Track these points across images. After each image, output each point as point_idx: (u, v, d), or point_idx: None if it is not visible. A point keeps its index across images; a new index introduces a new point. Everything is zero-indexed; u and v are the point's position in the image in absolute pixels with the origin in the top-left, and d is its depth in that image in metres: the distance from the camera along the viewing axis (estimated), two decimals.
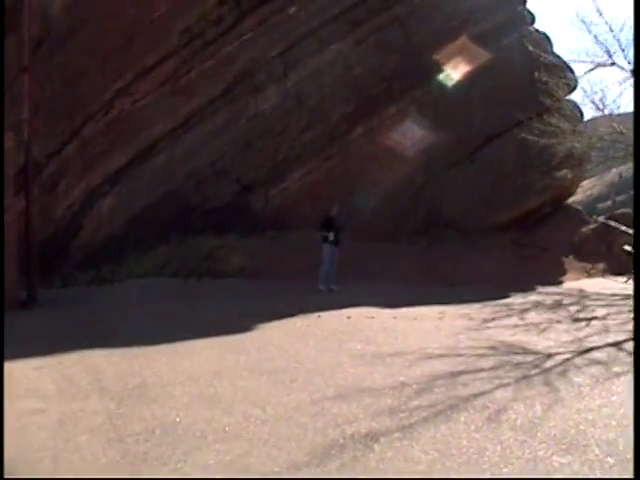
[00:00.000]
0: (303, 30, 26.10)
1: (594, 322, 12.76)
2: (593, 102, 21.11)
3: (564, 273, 22.67)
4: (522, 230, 24.95)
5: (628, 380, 7.89)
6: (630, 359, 9.11)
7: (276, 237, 23.80)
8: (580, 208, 29.11)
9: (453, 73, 25.58)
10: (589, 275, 22.49)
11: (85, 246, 26.73)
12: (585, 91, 24.02)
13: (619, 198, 44.35)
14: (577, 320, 13.15)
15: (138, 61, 26.22)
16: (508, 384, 7.88)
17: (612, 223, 24.70)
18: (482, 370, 8.63)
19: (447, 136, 25.36)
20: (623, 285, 19.21)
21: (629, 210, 24.95)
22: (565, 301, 16.45)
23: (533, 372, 8.55)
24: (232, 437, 5.97)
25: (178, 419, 6.46)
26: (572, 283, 21.18)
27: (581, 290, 18.87)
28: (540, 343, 10.57)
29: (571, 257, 24.17)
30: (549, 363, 9.06)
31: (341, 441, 5.81)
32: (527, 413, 6.72)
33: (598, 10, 20.19)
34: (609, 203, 45.67)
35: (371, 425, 6.29)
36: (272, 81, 26.05)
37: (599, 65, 19.76)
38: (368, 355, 9.55)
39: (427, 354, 9.60)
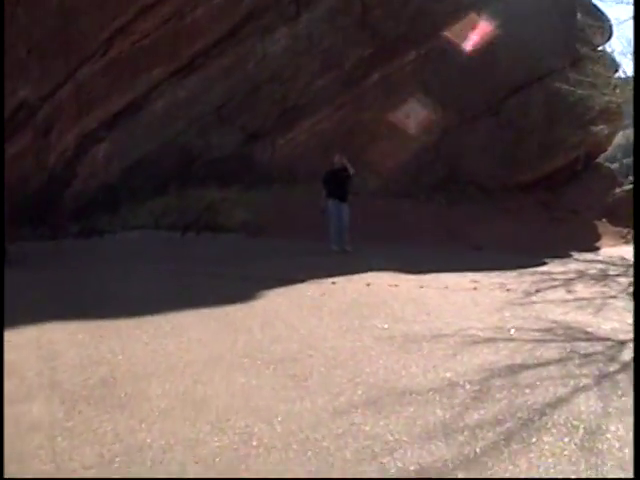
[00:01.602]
0: None
1: None
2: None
3: (598, 238, 20.79)
4: (550, 190, 23.09)
5: None
6: None
7: (283, 190, 21.94)
8: (612, 167, 27.13)
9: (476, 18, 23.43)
10: (626, 241, 20.57)
11: (78, 195, 25.15)
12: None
13: (626, 160, 42.29)
14: (634, 295, 11.26)
15: None
16: (588, 387, 6.04)
17: None
18: (547, 363, 6.78)
19: (468, 85, 23.45)
20: None
21: None
22: (611, 271, 14.59)
23: (612, 368, 6.71)
24: (224, 472, 4.13)
25: (149, 440, 4.61)
26: (610, 249, 19.29)
27: (623, 258, 16.97)
28: (603, 325, 8.70)
29: (604, 221, 22.27)
30: (627, 354, 7.23)
31: None
32: (627, 436, 4.88)
33: None
34: (616, 165, 43.63)
35: (421, 456, 4.44)
36: (282, 21, 24.09)
37: None
38: (398, 337, 7.69)
39: (471, 337, 7.75)
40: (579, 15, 21.12)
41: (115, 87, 24.67)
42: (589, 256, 17.62)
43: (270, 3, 23.93)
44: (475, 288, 11.32)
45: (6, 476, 4.23)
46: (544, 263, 15.25)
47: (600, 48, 23.23)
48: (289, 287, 10.92)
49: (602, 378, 6.36)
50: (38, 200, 23.94)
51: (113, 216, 22.21)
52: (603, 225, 22.04)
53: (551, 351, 7.29)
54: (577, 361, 6.92)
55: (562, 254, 16.99)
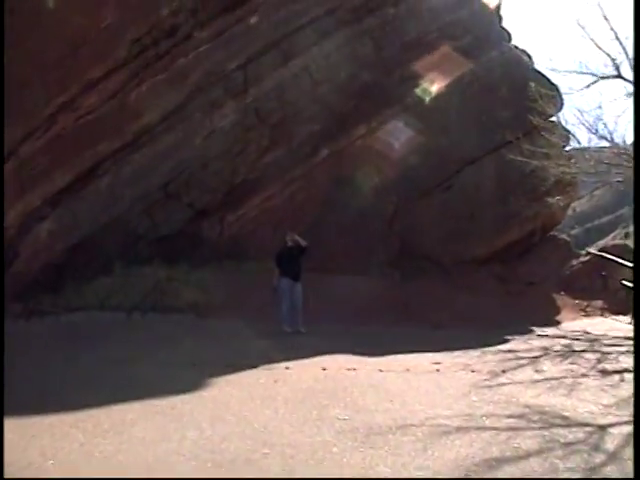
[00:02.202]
0: (265, 42, 23.86)
1: (627, 375, 10.33)
2: (590, 126, 18.69)
3: (558, 312, 20.39)
4: (505, 263, 22.78)
5: None
6: None
7: (233, 269, 21.29)
8: (568, 239, 26.91)
9: (430, 87, 23.41)
10: (586, 314, 20.21)
11: (21, 275, 24.00)
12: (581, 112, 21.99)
13: (574, 231, 42.52)
14: (605, 373, 10.73)
15: (84, 73, 23.39)
16: None
17: (607, 256, 22.46)
18: (526, 456, 6.18)
19: (420, 159, 23.36)
20: (630, 326, 16.85)
21: (622, 241, 22.82)
22: (576, 347, 14.05)
23: (598, 459, 6.16)
24: None
25: None
26: (571, 323, 18.88)
27: (586, 332, 16.54)
28: (579, 408, 8.14)
29: (562, 294, 21.90)
30: (610, 442, 6.64)
31: None
32: None
33: (604, 16, 17.90)
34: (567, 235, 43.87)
35: None
36: (230, 96, 23.65)
37: (602, 78, 17.49)
38: (361, 429, 7.02)
39: (440, 427, 7.11)
40: (530, 85, 20.98)
41: (59, 163, 23.67)
42: (550, 331, 17.14)
43: (217, 78, 23.52)
44: (438, 370, 10.71)
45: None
46: (506, 340, 14.72)
47: (552, 119, 23.16)
48: (240, 374, 10.18)
49: (590, 472, 5.75)
50: None
51: (57, 296, 21.06)
52: (561, 298, 21.68)
53: (529, 441, 6.69)
54: (559, 452, 6.33)
55: (523, 329, 16.52)
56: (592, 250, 25.35)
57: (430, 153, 23.21)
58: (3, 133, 22.73)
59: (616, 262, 21.20)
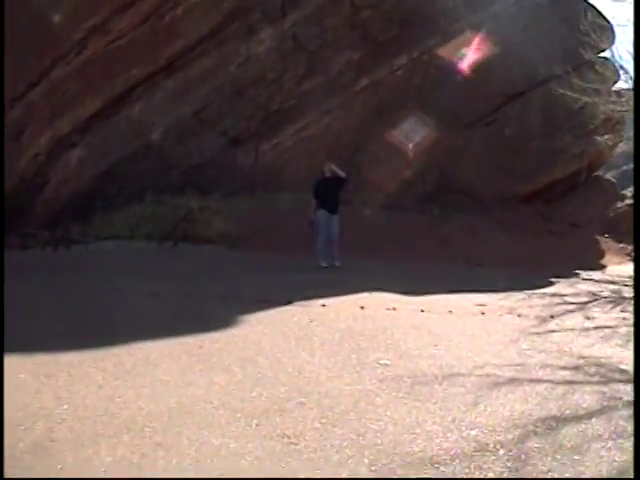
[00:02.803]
0: None
1: None
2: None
3: (602, 255, 19.69)
4: (547, 203, 22.00)
5: None
6: None
7: (266, 200, 20.97)
8: (614, 180, 25.99)
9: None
10: (632, 258, 19.44)
11: (50, 202, 23.91)
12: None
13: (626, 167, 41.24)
14: None
15: None
16: None
17: None
18: (588, 415, 5.56)
19: (462, 92, 22.71)
20: None
21: None
22: (626, 293, 13.36)
23: None
24: None
25: None
26: (616, 268, 18.18)
27: (633, 277, 15.83)
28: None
29: (606, 237, 21.15)
30: None
31: None
32: None
33: None
34: (615, 173, 42.61)
35: None
36: (267, 21, 23.24)
37: None
38: (405, 377, 6.43)
39: (490, 378, 6.51)
40: (582, 17, 19.95)
41: (90, 89, 23.53)
42: (596, 275, 16.45)
43: (254, 2, 23.01)
44: (483, 313, 10.08)
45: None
46: (551, 283, 14.03)
47: (604, 53, 22.23)
48: (273, 311, 9.60)
49: None
50: (7, 207, 22.58)
51: (86, 225, 21.13)
52: (605, 242, 20.93)
53: (588, 397, 6.07)
54: (624, 411, 5.70)
55: (567, 272, 15.80)
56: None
57: (473, 86, 22.47)
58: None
59: None
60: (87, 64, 23.56)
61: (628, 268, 17.90)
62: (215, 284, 12.11)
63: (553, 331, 9.03)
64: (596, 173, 24.73)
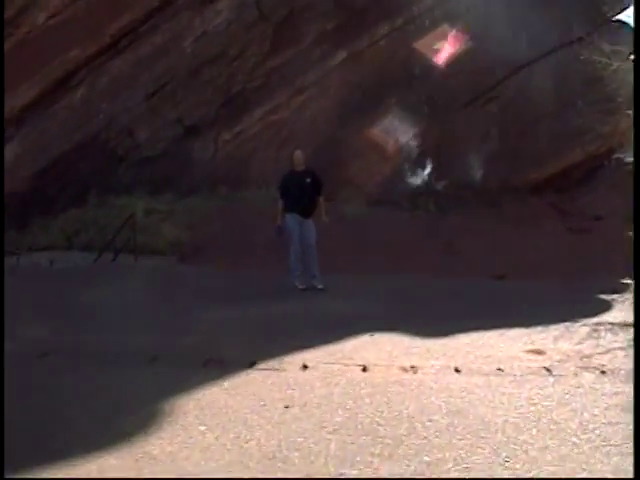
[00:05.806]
0: None
1: None
2: None
3: None
4: (561, 192, 20.18)
5: None
6: None
7: (228, 199, 19.18)
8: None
9: None
10: None
11: None
12: None
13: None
14: None
15: None
16: None
17: None
18: None
19: (457, 64, 20.75)
20: None
21: None
22: None
23: None
24: None
25: None
26: None
27: None
28: None
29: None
30: None
31: None
32: None
33: None
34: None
35: None
36: None
37: None
38: None
39: None
40: None
41: (24, 74, 21.37)
42: None
43: None
44: (547, 370, 6.54)
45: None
46: (607, 304, 10.48)
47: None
48: (229, 379, 5.93)
49: None
50: None
51: (19, 233, 19.15)
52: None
53: None
54: None
55: (614, 284, 12.35)
56: None
57: (470, 55, 20.54)
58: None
59: None
60: (20, 46, 21.58)
61: None
62: (150, 319, 8.79)
63: None
64: (618, 155, 22.50)
